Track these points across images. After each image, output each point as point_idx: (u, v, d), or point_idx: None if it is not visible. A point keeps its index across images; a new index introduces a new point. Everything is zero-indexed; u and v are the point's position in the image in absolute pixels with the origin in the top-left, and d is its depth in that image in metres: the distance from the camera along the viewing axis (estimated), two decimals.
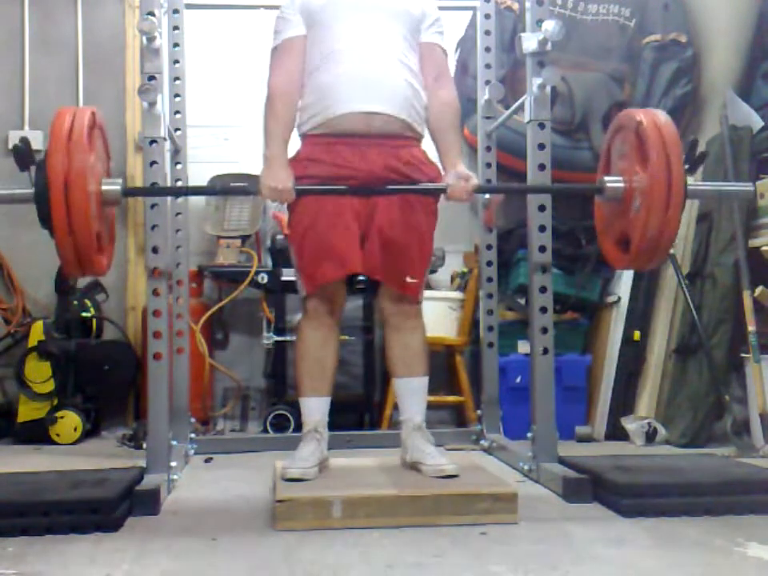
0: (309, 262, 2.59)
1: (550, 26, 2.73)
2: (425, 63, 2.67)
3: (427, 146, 2.70)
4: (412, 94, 2.59)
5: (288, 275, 3.76)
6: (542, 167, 2.84)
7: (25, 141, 2.31)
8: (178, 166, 3.45)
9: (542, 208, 2.84)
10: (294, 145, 2.66)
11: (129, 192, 2.59)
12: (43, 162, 2.24)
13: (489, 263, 3.52)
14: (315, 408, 2.62)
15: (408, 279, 2.59)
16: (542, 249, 2.85)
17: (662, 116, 2.46)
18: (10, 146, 4.21)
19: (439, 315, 3.90)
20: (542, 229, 2.85)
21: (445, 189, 2.60)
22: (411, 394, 2.66)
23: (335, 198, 2.55)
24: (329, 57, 2.57)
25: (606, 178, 2.58)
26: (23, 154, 2.30)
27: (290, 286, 3.43)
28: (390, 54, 2.58)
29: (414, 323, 2.66)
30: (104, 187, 2.41)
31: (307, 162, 2.59)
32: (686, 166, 2.44)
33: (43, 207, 2.23)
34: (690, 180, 2.48)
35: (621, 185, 2.53)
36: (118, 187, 2.46)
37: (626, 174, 2.52)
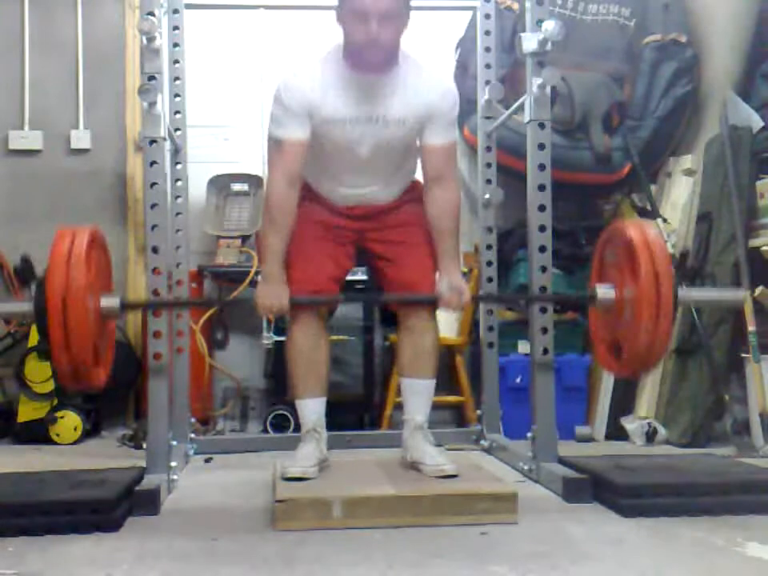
0: (296, 270, 2.62)
1: (550, 26, 2.73)
2: (426, 161, 2.62)
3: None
4: (403, 184, 2.72)
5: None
6: (541, 167, 2.84)
7: (26, 259, 2.36)
8: (178, 166, 3.46)
9: (541, 208, 2.84)
10: None
11: (127, 306, 2.65)
12: (43, 281, 2.27)
13: (489, 263, 3.52)
14: (312, 409, 2.62)
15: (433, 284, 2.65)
16: (542, 249, 2.85)
17: (651, 231, 2.43)
18: (11, 146, 4.25)
19: (439, 315, 3.89)
20: (542, 229, 2.85)
21: (437, 299, 2.62)
22: (416, 395, 2.66)
23: (323, 242, 2.64)
24: (325, 169, 2.64)
25: (599, 287, 2.55)
26: (25, 272, 2.34)
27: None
28: (385, 179, 2.65)
29: (428, 325, 2.66)
30: (103, 304, 2.41)
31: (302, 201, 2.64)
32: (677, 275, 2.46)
33: (42, 324, 2.26)
34: (681, 288, 2.47)
35: (612, 295, 2.51)
36: (116, 304, 2.46)
37: (617, 284, 2.51)
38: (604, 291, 2.53)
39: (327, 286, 2.63)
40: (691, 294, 2.70)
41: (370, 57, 2.46)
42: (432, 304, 2.65)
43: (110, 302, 2.44)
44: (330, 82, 2.52)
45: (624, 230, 2.45)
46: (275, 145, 2.56)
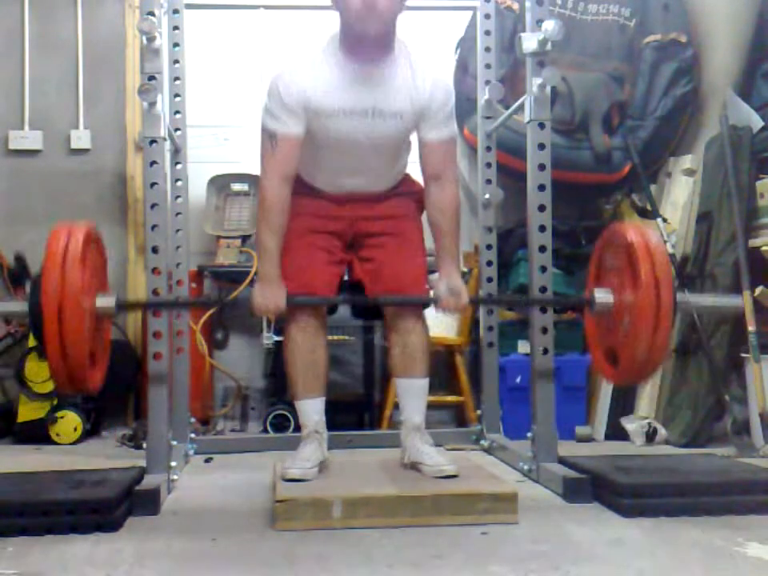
0: (292, 272, 2.61)
1: (549, 26, 2.73)
2: (425, 161, 2.60)
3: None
4: (399, 175, 2.71)
5: None
6: (541, 167, 2.84)
7: (19, 258, 2.34)
8: (178, 166, 3.46)
9: (541, 208, 2.84)
10: None
11: (123, 306, 2.64)
12: (38, 281, 2.25)
13: (489, 263, 3.52)
14: (312, 409, 2.62)
15: (425, 286, 2.66)
16: (542, 249, 2.85)
17: (652, 236, 2.41)
18: (11, 146, 4.24)
19: (439, 315, 3.88)
20: (542, 229, 2.85)
21: (435, 300, 2.61)
22: (411, 394, 2.66)
23: (317, 237, 2.63)
24: (320, 162, 2.61)
25: (596, 292, 2.53)
26: (18, 271, 2.33)
27: None
28: (379, 171, 2.64)
29: (416, 324, 2.66)
30: (98, 303, 2.40)
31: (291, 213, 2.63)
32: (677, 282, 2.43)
33: (37, 323, 2.25)
34: (680, 294, 2.47)
35: (610, 300, 2.49)
36: (112, 303, 2.45)
37: (615, 289, 2.48)
38: (601, 296, 2.51)
39: (323, 291, 2.62)
40: (690, 300, 2.71)
41: (367, 27, 2.41)
42: (422, 304, 2.65)
43: (105, 301, 2.43)
44: (326, 73, 2.51)
45: (624, 234, 2.42)
46: (269, 138, 2.54)
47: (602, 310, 2.51)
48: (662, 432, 3.65)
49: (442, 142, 2.59)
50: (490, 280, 3.52)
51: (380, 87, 2.51)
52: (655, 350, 2.32)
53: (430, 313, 2.76)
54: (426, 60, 2.61)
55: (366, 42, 2.45)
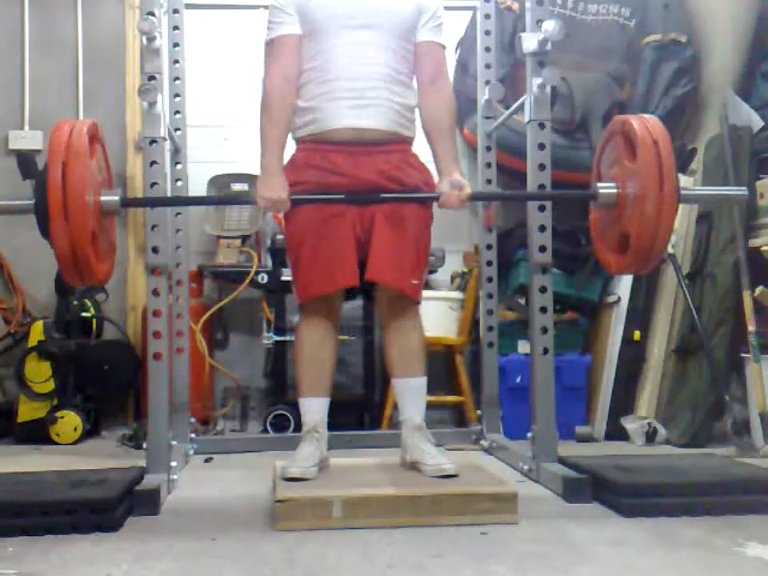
0: (302, 275, 2.62)
1: (550, 26, 2.73)
2: (420, 63, 2.66)
3: (421, 143, 2.71)
4: (402, 106, 2.63)
5: (288, 275, 3.74)
6: (542, 167, 2.84)
7: (30, 155, 2.37)
8: (178, 166, 3.46)
9: (541, 208, 2.84)
10: (290, 146, 2.67)
11: (127, 203, 2.65)
12: (43, 174, 2.26)
13: (489, 263, 3.52)
14: (314, 408, 2.62)
15: (413, 281, 2.61)
16: (542, 249, 2.85)
17: (656, 124, 2.46)
18: (11, 146, 4.24)
19: (439, 315, 3.90)
20: (542, 229, 2.85)
21: (438, 197, 2.61)
22: (410, 394, 2.66)
23: (330, 208, 2.57)
24: (322, 69, 2.59)
25: (600, 185, 2.57)
26: (26, 165, 2.34)
27: (290, 286, 3.41)
28: (380, 72, 2.59)
29: (412, 323, 2.66)
30: (103, 198, 2.43)
31: (301, 167, 2.61)
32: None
33: (43, 218, 2.26)
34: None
35: (614, 190, 2.53)
36: (116, 198, 2.48)
37: (619, 180, 2.52)
38: (606, 187, 2.55)
39: (350, 281, 2.58)
40: (693, 190, 2.82)
41: None
42: (413, 302, 2.64)
43: (110, 197, 2.46)
44: None
45: (627, 123, 2.47)
46: (269, 47, 2.63)
47: (607, 202, 2.54)
48: (662, 432, 3.66)
49: (436, 44, 2.68)
50: (490, 280, 3.52)
51: None
52: (659, 232, 2.38)
53: (428, 313, 2.76)
54: None
55: None
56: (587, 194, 2.66)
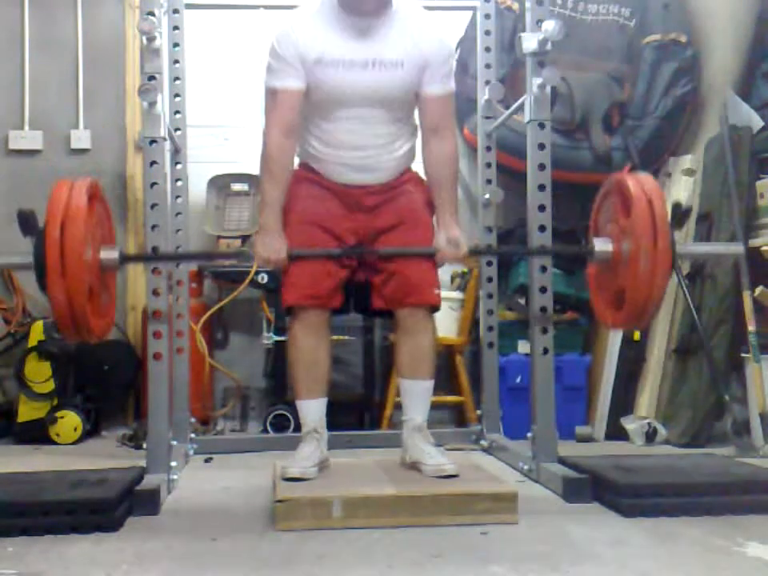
0: (291, 288, 2.60)
1: (550, 26, 2.73)
2: (424, 114, 2.63)
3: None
4: (404, 155, 2.66)
5: None
6: (541, 167, 2.84)
7: (31, 212, 2.39)
8: (178, 166, 3.46)
9: (541, 208, 2.85)
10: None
11: (127, 259, 2.67)
12: (41, 233, 2.27)
13: (489, 263, 3.53)
14: (313, 410, 2.62)
15: (436, 291, 2.63)
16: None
17: (650, 183, 2.45)
18: (11, 146, 4.25)
19: (439, 315, 3.88)
20: (542, 229, 2.85)
21: (434, 252, 2.60)
22: (415, 395, 2.65)
23: (324, 234, 2.59)
24: (325, 133, 2.59)
25: (596, 240, 2.56)
26: (27, 222, 2.36)
27: None
28: (383, 140, 2.60)
29: (426, 326, 2.65)
30: (102, 255, 2.42)
31: (302, 196, 2.62)
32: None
33: (41, 275, 2.27)
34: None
35: (609, 249, 2.52)
36: (115, 255, 2.47)
37: (615, 237, 2.52)
38: (601, 245, 2.55)
39: (330, 300, 2.60)
40: (689, 248, 2.83)
41: None
42: (432, 306, 2.64)
43: (109, 255, 2.45)
44: (324, 25, 2.53)
45: (622, 183, 2.47)
46: (270, 96, 2.58)
47: (603, 258, 2.55)
48: (662, 432, 3.66)
49: (442, 97, 2.62)
50: (490, 280, 3.52)
51: (380, 38, 2.53)
52: (654, 289, 2.37)
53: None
54: (428, 16, 2.63)
55: (363, 3, 2.49)
56: (585, 251, 2.65)
